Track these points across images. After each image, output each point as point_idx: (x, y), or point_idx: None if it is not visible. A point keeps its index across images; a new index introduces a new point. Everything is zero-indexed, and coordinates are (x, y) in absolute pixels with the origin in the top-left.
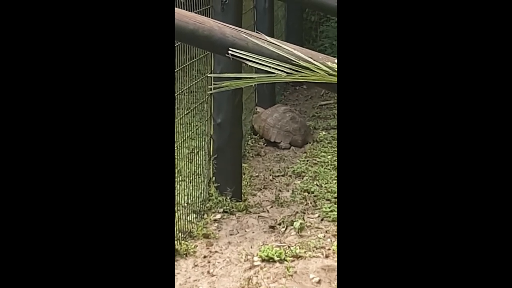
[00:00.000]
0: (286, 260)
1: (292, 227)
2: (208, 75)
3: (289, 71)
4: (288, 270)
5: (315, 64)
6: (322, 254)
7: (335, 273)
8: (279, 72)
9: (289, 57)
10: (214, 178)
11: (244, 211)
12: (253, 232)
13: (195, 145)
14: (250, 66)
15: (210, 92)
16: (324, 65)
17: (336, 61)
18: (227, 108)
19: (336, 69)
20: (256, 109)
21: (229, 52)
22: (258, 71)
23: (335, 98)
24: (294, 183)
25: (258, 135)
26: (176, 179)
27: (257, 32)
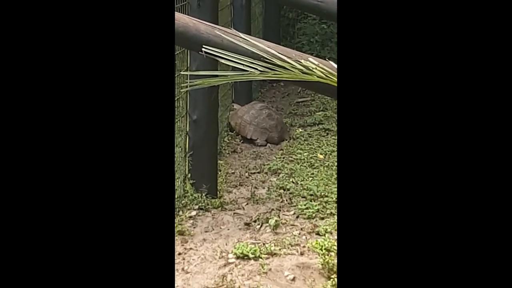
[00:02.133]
0: (261, 258)
1: (267, 224)
2: (182, 73)
3: (263, 69)
4: (262, 267)
5: (289, 62)
6: (297, 252)
7: (310, 271)
8: (253, 70)
9: (263, 55)
10: (189, 175)
11: (220, 208)
12: (228, 229)
13: None
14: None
15: (184, 90)
16: (298, 63)
17: (310, 58)
18: (203, 104)
19: (310, 67)
20: (233, 106)
21: (203, 49)
22: (234, 68)
23: (312, 95)
24: (270, 180)
25: (234, 132)
26: None
27: (232, 29)
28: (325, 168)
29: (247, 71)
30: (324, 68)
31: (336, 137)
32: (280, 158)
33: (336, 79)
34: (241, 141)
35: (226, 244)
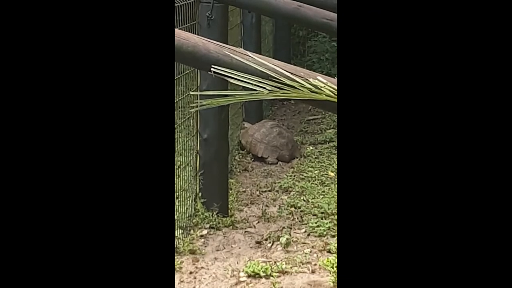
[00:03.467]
0: (272, 276)
1: (278, 242)
2: (191, 93)
3: (271, 88)
4: (274, 285)
5: (298, 81)
6: (308, 270)
7: None
8: (262, 89)
9: (272, 74)
10: (200, 194)
11: (231, 227)
12: (239, 248)
13: (181, 161)
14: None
15: (193, 109)
16: (307, 81)
17: (318, 77)
18: (214, 123)
19: (318, 86)
20: (244, 124)
21: (212, 69)
22: (244, 88)
23: (323, 113)
24: (281, 198)
25: (245, 150)
26: None
27: (241, 49)
28: (336, 186)
29: (256, 90)
30: (332, 87)
31: None
32: (291, 176)
33: None
34: (252, 160)
35: (237, 263)
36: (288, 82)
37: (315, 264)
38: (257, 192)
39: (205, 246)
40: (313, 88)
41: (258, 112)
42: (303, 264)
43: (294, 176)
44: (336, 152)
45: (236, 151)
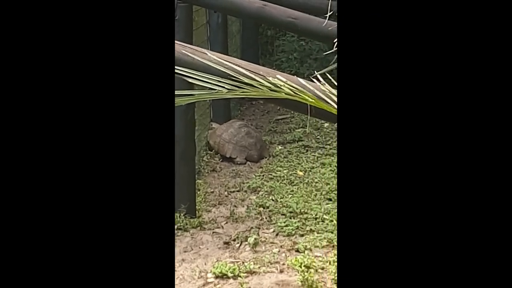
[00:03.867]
0: (240, 276)
1: (246, 242)
2: None
3: (230, 87)
4: (241, 286)
5: (257, 80)
6: (277, 269)
7: None
8: (220, 89)
9: (231, 73)
10: None
11: (199, 228)
12: (207, 249)
13: None
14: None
15: None
16: (266, 80)
17: (277, 75)
18: (180, 124)
19: (278, 85)
20: (211, 124)
21: None
22: (204, 87)
23: (292, 112)
24: (250, 198)
25: (213, 150)
26: None
27: (202, 48)
28: (305, 185)
29: (215, 89)
30: (292, 85)
31: (315, 154)
32: (259, 176)
33: (304, 96)
34: (220, 160)
35: (205, 264)
36: (247, 81)
37: (283, 264)
38: (226, 193)
39: None
40: (273, 87)
41: (226, 112)
42: (271, 264)
43: (263, 176)
44: (304, 151)
45: (204, 152)
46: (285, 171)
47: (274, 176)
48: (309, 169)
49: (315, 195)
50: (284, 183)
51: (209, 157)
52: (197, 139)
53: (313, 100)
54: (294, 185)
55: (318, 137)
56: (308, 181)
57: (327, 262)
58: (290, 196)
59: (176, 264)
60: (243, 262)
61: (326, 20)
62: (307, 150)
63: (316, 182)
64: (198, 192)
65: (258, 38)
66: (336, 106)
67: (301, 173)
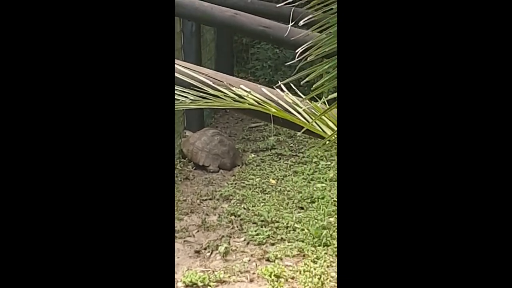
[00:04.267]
0: (210, 286)
1: (217, 251)
2: None
3: (194, 97)
4: None
5: (221, 91)
6: (247, 279)
7: None
8: (184, 99)
9: (195, 83)
10: None
11: None
12: (178, 258)
13: None
14: None
15: None
16: (230, 91)
17: (241, 86)
18: None
19: (242, 95)
20: (185, 132)
21: None
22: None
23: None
24: (222, 207)
25: (186, 158)
26: None
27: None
28: (277, 193)
29: (178, 100)
30: (255, 96)
31: (288, 162)
32: (232, 184)
33: (266, 106)
34: (194, 168)
35: (175, 273)
36: (211, 91)
37: (253, 273)
38: (198, 201)
39: None
40: (237, 98)
41: (199, 120)
42: (241, 273)
43: (235, 184)
44: (277, 159)
45: (178, 160)
46: (257, 179)
47: (246, 184)
48: (282, 177)
49: (287, 204)
50: (257, 191)
51: (182, 165)
52: None
53: (275, 111)
54: (266, 193)
55: (292, 145)
56: (280, 189)
57: (297, 271)
58: (262, 204)
59: None
60: (213, 271)
61: (289, 29)
62: (280, 158)
63: (289, 191)
64: None
65: (233, 46)
66: (298, 115)
67: (273, 181)
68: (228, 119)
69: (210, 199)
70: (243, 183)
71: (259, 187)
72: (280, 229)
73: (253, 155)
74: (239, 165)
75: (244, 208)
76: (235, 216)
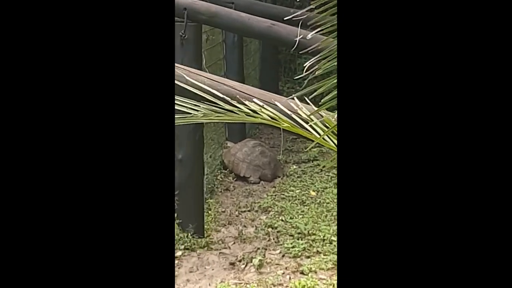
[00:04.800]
0: None
1: (251, 264)
2: None
3: (206, 111)
4: None
5: (233, 105)
6: None
7: None
8: (195, 113)
9: (207, 97)
10: (175, 215)
11: (206, 248)
12: (212, 269)
13: None
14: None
15: None
16: (243, 105)
17: (254, 100)
18: (188, 144)
19: (255, 110)
20: (226, 143)
21: None
22: (180, 111)
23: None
24: (260, 219)
25: (227, 169)
26: None
27: (182, 66)
28: (316, 206)
29: (190, 113)
30: (269, 110)
31: (329, 174)
32: (272, 195)
33: (280, 121)
34: (234, 179)
35: (209, 285)
36: (224, 106)
37: (286, 286)
38: (236, 212)
39: (179, 268)
40: (250, 112)
41: (241, 131)
42: (274, 286)
43: (275, 195)
44: (319, 171)
45: (219, 171)
46: (297, 191)
47: (286, 196)
48: (322, 189)
49: (325, 216)
50: (296, 203)
51: (223, 176)
52: (212, 158)
53: (288, 125)
54: (306, 205)
55: (334, 156)
56: (320, 201)
57: (330, 285)
58: (300, 216)
59: (181, 284)
60: (246, 284)
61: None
62: (321, 170)
63: (328, 203)
64: (209, 212)
65: (278, 56)
66: (311, 129)
67: (313, 193)
68: (273, 130)
69: (248, 210)
70: (283, 194)
71: (298, 199)
72: (316, 242)
73: (294, 167)
74: (280, 177)
75: (282, 220)
76: (272, 228)
